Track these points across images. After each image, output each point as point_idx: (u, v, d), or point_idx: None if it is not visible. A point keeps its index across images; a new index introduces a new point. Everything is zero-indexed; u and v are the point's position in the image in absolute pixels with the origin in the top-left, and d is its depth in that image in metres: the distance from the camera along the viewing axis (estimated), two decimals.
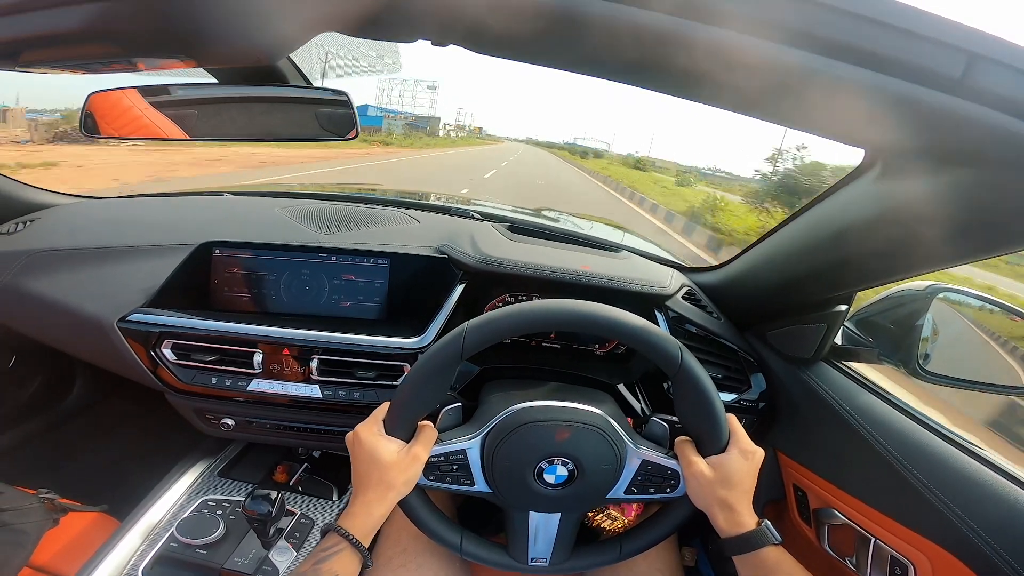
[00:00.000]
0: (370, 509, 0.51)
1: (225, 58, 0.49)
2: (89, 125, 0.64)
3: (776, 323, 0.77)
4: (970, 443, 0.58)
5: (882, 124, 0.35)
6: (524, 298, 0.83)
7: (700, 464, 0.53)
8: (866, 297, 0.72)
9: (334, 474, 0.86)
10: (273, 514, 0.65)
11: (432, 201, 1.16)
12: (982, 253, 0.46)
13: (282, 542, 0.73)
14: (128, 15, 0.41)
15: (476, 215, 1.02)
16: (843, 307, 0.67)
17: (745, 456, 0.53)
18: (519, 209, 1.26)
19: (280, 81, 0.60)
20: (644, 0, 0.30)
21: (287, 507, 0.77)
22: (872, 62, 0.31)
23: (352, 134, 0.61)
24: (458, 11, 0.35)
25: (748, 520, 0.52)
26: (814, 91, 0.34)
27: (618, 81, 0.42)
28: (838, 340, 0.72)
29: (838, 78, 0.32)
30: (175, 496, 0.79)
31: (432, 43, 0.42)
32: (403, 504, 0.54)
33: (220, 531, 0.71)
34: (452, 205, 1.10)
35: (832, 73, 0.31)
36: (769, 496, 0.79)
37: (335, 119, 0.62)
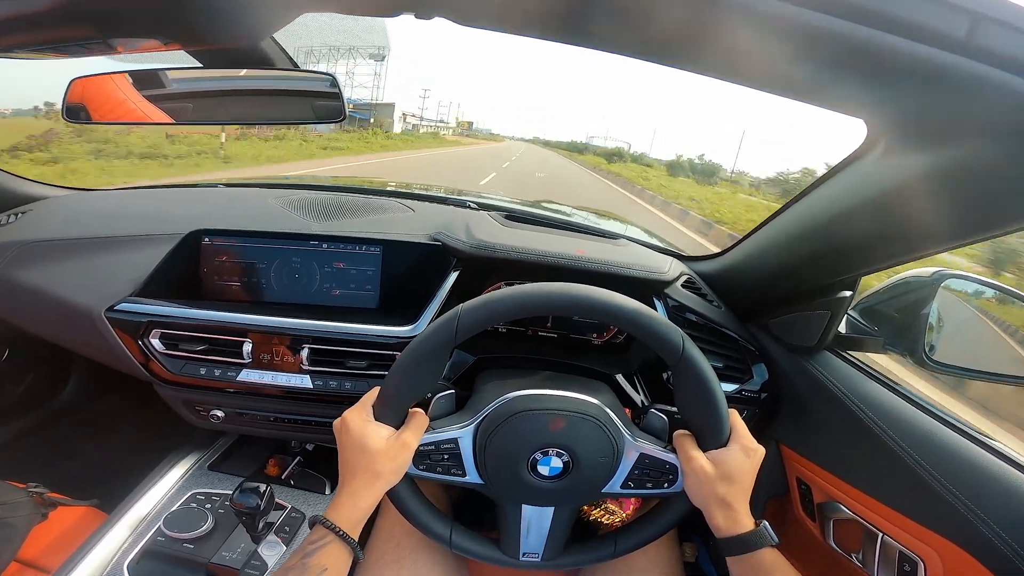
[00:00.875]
0: (356, 499, 0.49)
1: (207, 39, 0.48)
2: (76, 111, 0.64)
3: (778, 311, 0.75)
4: (982, 434, 0.56)
5: (888, 88, 0.34)
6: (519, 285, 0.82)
7: (700, 459, 0.51)
8: (871, 285, 0.70)
9: (326, 468, 0.85)
10: (262, 507, 0.64)
11: (428, 192, 1.16)
12: (992, 230, 0.44)
13: (272, 536, 0.71)
14: None
15: (472, 204, 1.01)
16: (847, 293, 0.65)
17: (746, 453, 0.51)
18: (516, 200, 1.25)
19: (265, 63, 0.59)
20: None
21: (278, 501, 0.76)
22: (875, 21, 0.29)
23: (340, 118, 0.60)
24: None
25: (746, 520, 0.50)
26: (818, 54, 0.33)
27: (619, 53, 0.41)
28: (842, 329, 0.70)
29: (841, 38, 0.30)
30: (164, 489, 0.78)
31: (416, 16, 0.41)
32: (391, 494, 0.53)
33: (208, 525, 0.70)
34: (448, 196, 1.09)
35: (835, 32, 0.30)
36: (772, 491, 0.77)
37: (323, 104, 0.61)
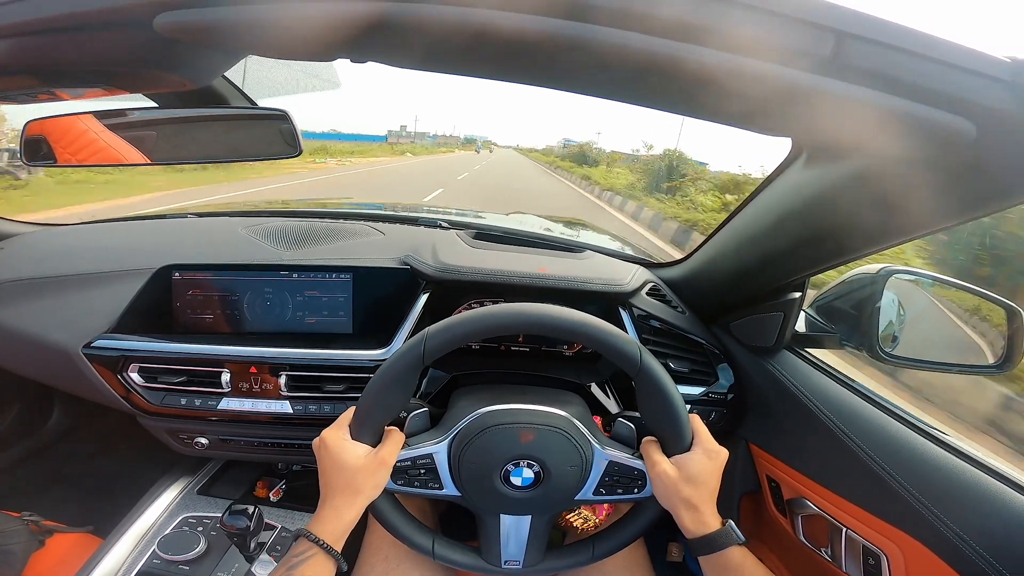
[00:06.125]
0: (339, 514, 0.51)
1: (150, 86, 0.49)
2: (42, 152, 0.63)
3: (738, 314, 0.77)
4: (934, 429, 0.58)
5: (784, 113, 0.35)
6: (490, 303, 0.83)
7: (664, 464, 0.52)
8: (825, 283, 0.72)
9: (313, 487, 0.85)
10: (251, 528, 0.66)
11: (400, 212, 1.15)
12: (910, 234, 0.46)
13: (264, 556, 0.74)
14: (41, 50, 0.40)
15: (443, 224, 1.02)
16: (797, 295, 0.67)
17: (709, 455, 0.52)
18: (487, 215, 1.25)
19: (219, 100, 0.59)
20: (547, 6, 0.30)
21: (267, 521, 0.78)
22: (752, 50, 0.30)
23: (296, 152, 0.61)
24: (385, 31, 0.34)
25: (712, 520, 0.51)
26: (729, 86, 0.34)
27: (548, 87, 0.42)
28: (801, 327, 0.72)
29: (737, 69, 0.31)
30: (155, 514, 0.80)
31: (351, 61, 0.42)
32: (373, 509, 0.55)
33: (201, 547, 0.72)
34: (420, 215, 1.09)
35: (731, 65, 0.31)
36: (744, 488, 0.79)
37: (279, 137, 0.62)
